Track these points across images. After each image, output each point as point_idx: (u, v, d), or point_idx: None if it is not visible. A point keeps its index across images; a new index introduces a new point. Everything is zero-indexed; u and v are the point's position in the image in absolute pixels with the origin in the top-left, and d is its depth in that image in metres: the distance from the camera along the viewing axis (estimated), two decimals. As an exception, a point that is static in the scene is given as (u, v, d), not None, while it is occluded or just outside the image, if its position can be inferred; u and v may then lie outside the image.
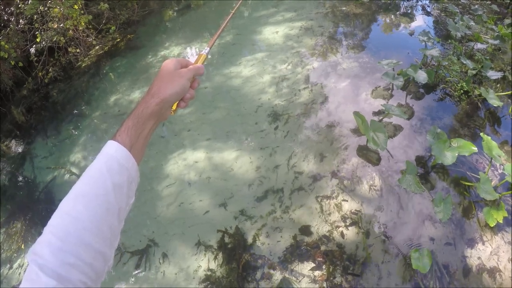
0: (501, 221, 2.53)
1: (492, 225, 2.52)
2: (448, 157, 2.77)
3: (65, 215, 0.63)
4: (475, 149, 2.75)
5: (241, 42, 5.36)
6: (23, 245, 3.30)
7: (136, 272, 2.77)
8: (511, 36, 4.31)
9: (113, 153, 0.69)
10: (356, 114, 3.16)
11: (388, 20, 5.49)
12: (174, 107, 0.80)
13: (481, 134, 2.87)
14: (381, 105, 3.50)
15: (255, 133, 3.68)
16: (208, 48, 0.89)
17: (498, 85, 3.92)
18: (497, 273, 2.36)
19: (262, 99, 4.11)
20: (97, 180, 0.66)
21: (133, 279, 2.74)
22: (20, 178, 4.15)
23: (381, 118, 3.50)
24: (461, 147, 2.80)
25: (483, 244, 2.51)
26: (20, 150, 4.64)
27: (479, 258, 2.44)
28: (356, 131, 3.42)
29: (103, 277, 0.64)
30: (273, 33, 5.38)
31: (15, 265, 3.12)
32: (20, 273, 3.05)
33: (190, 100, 0.83)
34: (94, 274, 0.61)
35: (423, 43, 4.17)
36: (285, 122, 3.72)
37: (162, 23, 6.93)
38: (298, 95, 4.05)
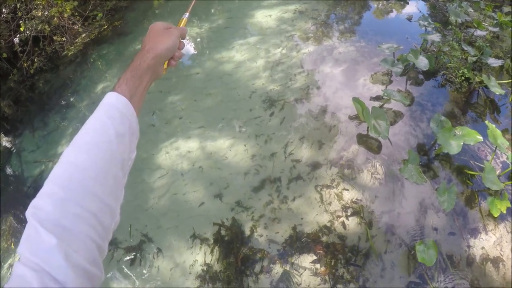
0: (504, 211, 2.48)
1: (496, 215, 2.49)
2: (454, 146, 2.68)
3: (68, 163, 0.60)
4: (480, 138, 2.68)
5: (233, 26, 5.18)
6: (13, 244, 3.13)
7: (130, 268, 2.64)
8: (511, 24, 4.23)
9: (113, 102, 0.69)
10: (356, 100, 3.04)
11: (384, 4, 5.38)
12: (165, 65, 0.85)
13: (486, 122, 2.78)
14: (381, 90, 3.39)
15: (250, 120, 3.53)
16: (188, 13, 0.98)
17: (495, 73, 3.85)
18: (500, 263, 2.32)
19: (256, 84, 3.96)
20: (99, 128, 0.65)
21: (126, 277, 2.61)
22: (8, 173, 3.96)
23: (381, 104, 3.40)
24: (466, 136, 2.71)
25: (486, 234, 2.47)
26: (7, 144, 4.43)
27: (482, 248, 2.39)
28: (354, 118, 3.31)
29: (110, 236, 0.61)
30: (266, 16, 5.21)
31: (6, 265, 2.93)
32: (8, 273, 2.88)
33: (178, 59, 0.87)
34: (102, 228, 0.57)
35: (423, 28, 4.06)
36: (281, 108, 3.58)
37: (150, 9, 6.69)
38: (294, 80, 3.91)
